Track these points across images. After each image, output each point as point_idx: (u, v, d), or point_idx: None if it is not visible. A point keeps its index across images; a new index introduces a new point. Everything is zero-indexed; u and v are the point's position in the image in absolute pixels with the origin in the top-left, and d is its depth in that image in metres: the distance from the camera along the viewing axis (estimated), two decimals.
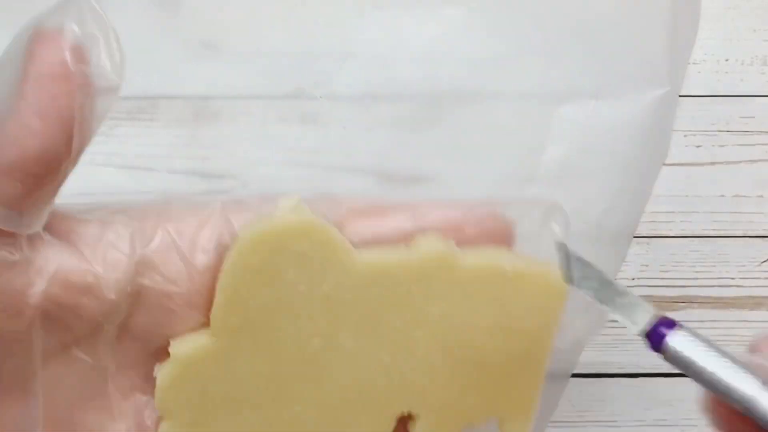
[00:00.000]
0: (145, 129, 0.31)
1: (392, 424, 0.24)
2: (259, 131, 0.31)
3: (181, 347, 0.23)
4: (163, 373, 0.23)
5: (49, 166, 0.19)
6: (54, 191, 0.20)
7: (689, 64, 0.32)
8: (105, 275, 0.22)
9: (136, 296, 0.22)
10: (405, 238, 0.23)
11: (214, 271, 0.23)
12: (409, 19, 0.31)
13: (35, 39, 0.19)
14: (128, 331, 0.23)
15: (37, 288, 0.21)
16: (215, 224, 0.23)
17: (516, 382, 0.25)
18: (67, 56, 0.19)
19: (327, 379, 0.23)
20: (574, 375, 0.30)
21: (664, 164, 0.31)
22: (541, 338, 0.24)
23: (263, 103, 0.31)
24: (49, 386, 0.22)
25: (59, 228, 0.22)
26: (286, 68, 0.31)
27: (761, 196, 0.31)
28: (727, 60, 0.32)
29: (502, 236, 0.24)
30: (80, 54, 0.19)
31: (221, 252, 0.23)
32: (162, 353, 0.23)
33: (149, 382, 0.23)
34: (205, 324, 0.23)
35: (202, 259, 0.23)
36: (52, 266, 0.21)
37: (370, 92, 0.31)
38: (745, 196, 0.31)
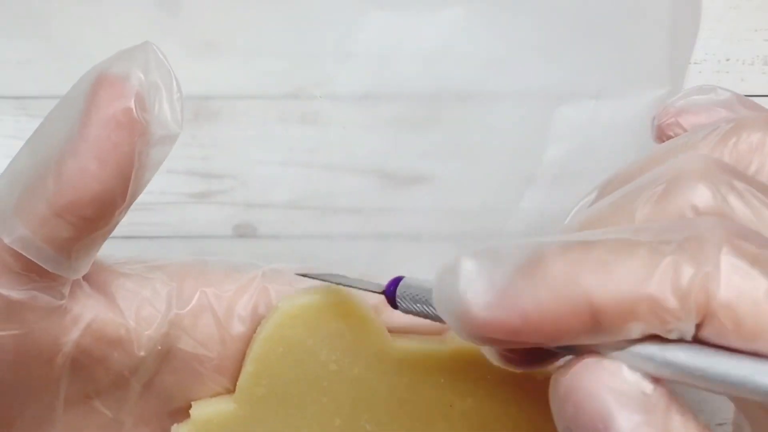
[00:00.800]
0: None
1: None
2: (259, 131, 0.31)
3: (203, 410, 0.23)
4: None
5: (103, 211, 0.19)
6: (104, 238, 0.20)
7: (689, 64, 0.32)
8: (137, 331, 0.22)
9: (165, 355, 0.22)
10: (440, 330, 0.23)
11: (247, 339, 0.23)
12: (409, 19, 0.31)
13: (100, 83, 0.19)
14: (152, 387, 0.23)
15: (72, 336, 0.21)
16: (253, 293, 0.23)
17: None
18: (132, 104, 0.19)
19: None
20: None
21: None
22: None
23: (263, 103, 0.31)
24: None
25: (98, 278, 0.22)
26: (286, 68, 0.31)
27: None
28: (728, 60, 0.32)
29: None
30: (143, 102, 0.19)
31: (256, 321, 0.23)
32: (181, 413, 0.23)
33: None
34: (230, 390, 0.23)
35: (237, 326, 0.22)
36: (88, 316, 0.21)
37: (370, 92, 0.31)
38: None
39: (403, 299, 0.20)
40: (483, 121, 0.31)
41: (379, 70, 0.31)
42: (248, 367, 0.22)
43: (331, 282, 0.23)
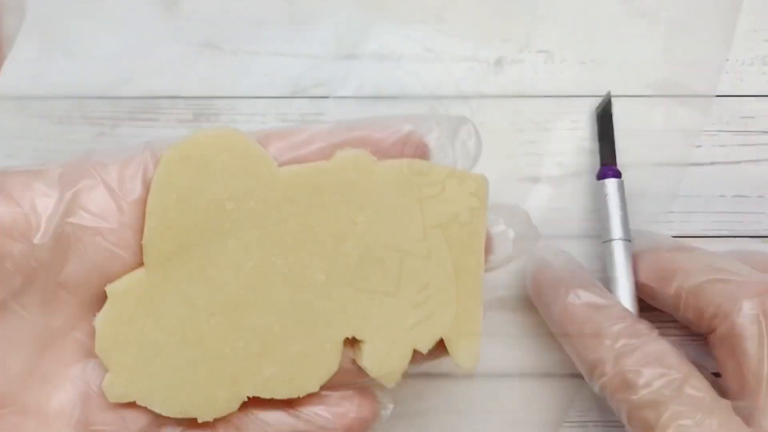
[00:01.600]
0: (145, 129, 0.31)
1: (339, 349, 0.24)
2: None
3: (118, 287, 0.23)
4: (101, 318, 0.23)
5: None
6: None
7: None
8: (35, 217, 0.22)
9: (67, 240, 0.22)
10: (325, 156, 0.23)
11: (143, 203, 0.23)
12: (409, 19, 0.31)
13: None
14: (67, 283, 0.23)
15: None
16: (140, 159, 0.23)
17: (456, 295, 0.24)
18: None
19: (265, 306, 0.23)
20: (573, 375, 0.30)
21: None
22: (471, 240, 0.24)
23: (263, 103, 0.31)
24: None
25: None
26: (286, 68, 0.31)
27: (761, 197, 0.31)
28: (727, 60, 0.32)
29: (417, 148, 0.24)
30: None
31: (148, 183, 0.23)
32: (101, 304, 0.23)
33: (93, 339, 0.23)
34: (142, 264, 0.23)
35: (131, 192, 0.23)
36: None
37: (370, 92, 0.31)
38: (745, 196, 0.31)
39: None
40: (483, 121, 0.31)
41: (380, 71, 0.31)
42: (149, 223, 0.22)
43: None
